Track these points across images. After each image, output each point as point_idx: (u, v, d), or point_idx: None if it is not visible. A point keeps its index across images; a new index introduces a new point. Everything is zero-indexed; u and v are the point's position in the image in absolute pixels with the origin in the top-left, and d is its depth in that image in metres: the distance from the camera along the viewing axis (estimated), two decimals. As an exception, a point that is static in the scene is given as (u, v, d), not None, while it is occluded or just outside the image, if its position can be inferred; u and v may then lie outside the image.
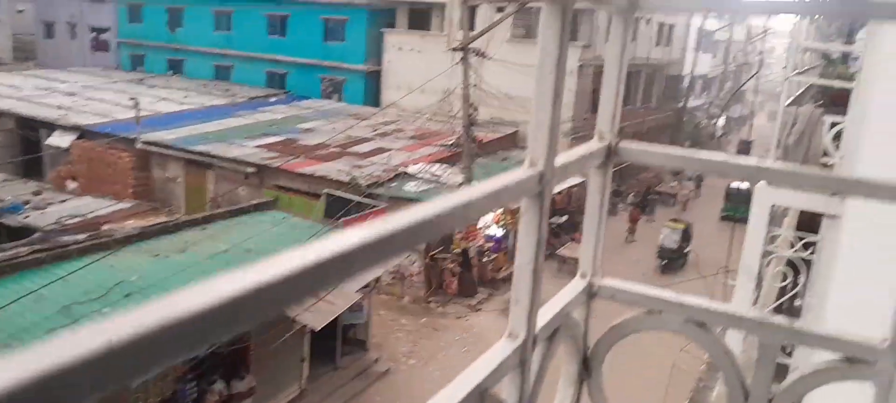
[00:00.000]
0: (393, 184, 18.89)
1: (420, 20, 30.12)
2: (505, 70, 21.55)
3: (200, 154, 21.33)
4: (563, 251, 20.07)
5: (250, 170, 20.38)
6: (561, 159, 1.05)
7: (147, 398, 11.17)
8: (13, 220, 16.12)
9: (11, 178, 20.64)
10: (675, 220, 22.38)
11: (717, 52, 46.94)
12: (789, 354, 5.42)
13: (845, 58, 8.59)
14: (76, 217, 16.60)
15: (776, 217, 5.23)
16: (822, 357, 1.12)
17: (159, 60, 36.18)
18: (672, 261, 21.25)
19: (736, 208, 22.82)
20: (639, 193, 27.84)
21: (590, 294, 1.31)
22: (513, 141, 25.82)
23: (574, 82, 25.35)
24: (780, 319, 1.20)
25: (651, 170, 30.95)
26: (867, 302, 2.37)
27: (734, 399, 1.21)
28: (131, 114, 22.13)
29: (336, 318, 12.94)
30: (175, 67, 35.84)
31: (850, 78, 5.73)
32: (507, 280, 18.84)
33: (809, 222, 5.59)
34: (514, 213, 19.87)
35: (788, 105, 5.72)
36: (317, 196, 18.47)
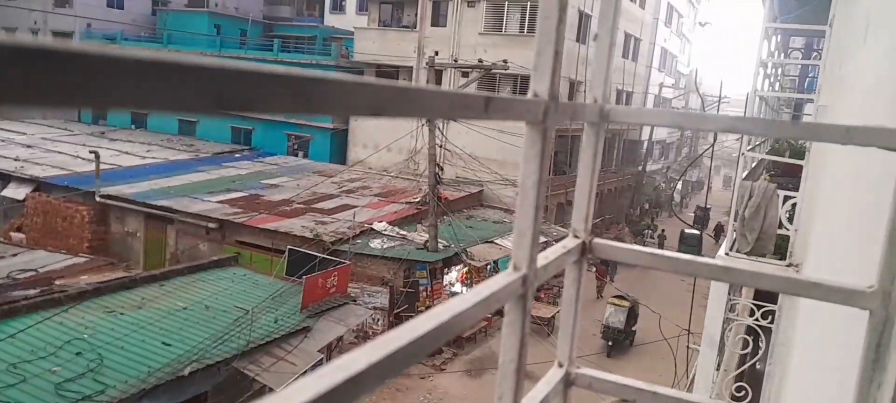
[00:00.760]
0: (358, 241, 18.80)
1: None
2: (469, 131, 21.96)
3: (161, 208, 20.95)
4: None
5: (212, 225, 20.07)
6: (541, 260, 1.11)
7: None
8: (-41, 275, 15.44)
9: (-41, 230, 19.86)
10: (619, 297, 20.21)
11: (675, 118, 48.61)
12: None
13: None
14: (28, 271, 16.00)
15: (736, 285, 5.42)
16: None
17: (122, 114, 35.79)
18: (618, 343, 19.64)
19: (689, 250, 28.09)
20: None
21: (567, 383, 1.36)
22: (478, 199, 26.09)
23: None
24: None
25: (612, 231, 31.53)
26: (821, 382, 2.47)
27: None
28: (91, 167, 21.71)
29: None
30: (138, 121, 35.49)
31: (801, 154, 6.05)
32: (472, 339, 18.73)
33: (768, 291, 5.77)
34: (480, 272, 19.93)
35: (744, 178, 5.99)
36: (280, 252, 18.23)
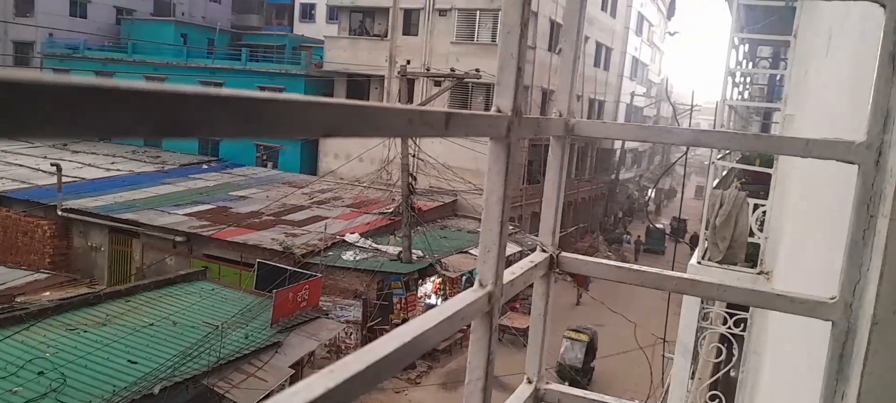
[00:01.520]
0: (330, 253, 18.62)
1: (358, 90, 30.53)
2: (443, 141, 21.97)
3: (126, 221, 20.50)
4: (502, 320, 20.12)
5: (179, 238, 19.70)
6: (508, 276, 1.10)
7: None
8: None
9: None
10: (576, 330, 18.01)
11: (644, 126, 49.38)
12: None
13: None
14: (-14, 289, 15.51)
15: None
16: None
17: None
18: (574, 382, 17.08)
19: (656, 243, 33.11)
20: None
21: (536, 398, 1.35)
22: (452, 209, 26.10)
23: (509, 154, 26.07)
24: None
25: (587, 240, 31.82)
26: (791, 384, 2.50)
27: None
28: (53, 180, 21.16)
29: (268, 394, 12.42)
30: (103, 132, 34.74)
31: (770, 162, 6.17)
32: (448, 351, 18.67)
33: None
34: (454, 283, 19.91)
35: (715, 187, 6.09)
36: (249, 266, 17.97)
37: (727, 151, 6.33)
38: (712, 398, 5.36)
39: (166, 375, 10.88)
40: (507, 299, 1.09)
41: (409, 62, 23.00)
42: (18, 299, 14.59)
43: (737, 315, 5.28)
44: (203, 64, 33.08)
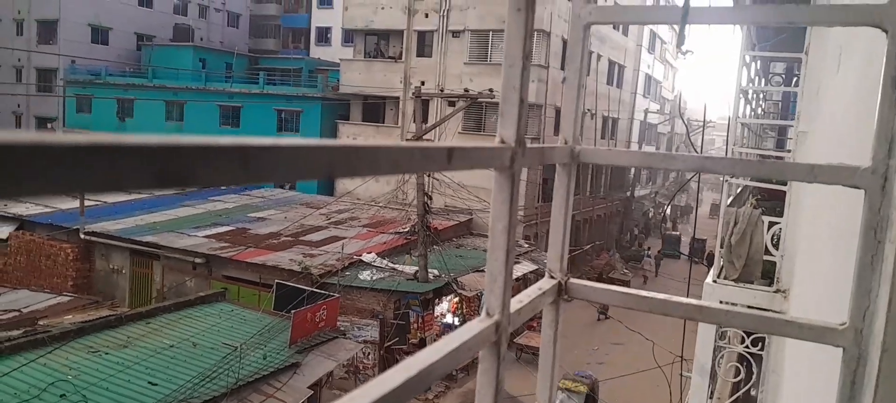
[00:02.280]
0: (347, 273, 18.67)
1: (373, 112, 30.79)
2: (458, 160, 21.99)
3: (147, 244, 20.75)
4: (520, 340, 19.99)
5: (199, 260, 19.88)
6: (515, 304, 1.11)
7: None
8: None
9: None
10: (573, 380, 15.69)
11: (660, 144, 49.22)
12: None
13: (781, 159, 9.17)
14: (11, 311, 15.75)
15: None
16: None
17: (108, 148, 35.58)
18: None
19: (672, 249, 34.27)
20: (594, 280, 28.23)
21: (546, 426, 1.34)
22: (467, 228, 26.08)
23: (524, 173, 26.04)
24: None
25: (603, 257, 31.57)
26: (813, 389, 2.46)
27: None
28: (75, 204, 21.51)
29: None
30: (123, 155, 35.33)
31: (784, 179, 6.11)
32: (465, 370, 18.56)
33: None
34: (470, 302, 19.84)
35: (729, 204, 6.04)
36: (267, 286, 18.07)
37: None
38: (733, 418, 5.28)
39: (186, 397, 10.93)
40: (515, 328, 1.09)
41: (423, 83, 23.18)
42: (41, 322, 14.79)
43: (754, 333, 5.20)
44: (222, 88, 33.59)
